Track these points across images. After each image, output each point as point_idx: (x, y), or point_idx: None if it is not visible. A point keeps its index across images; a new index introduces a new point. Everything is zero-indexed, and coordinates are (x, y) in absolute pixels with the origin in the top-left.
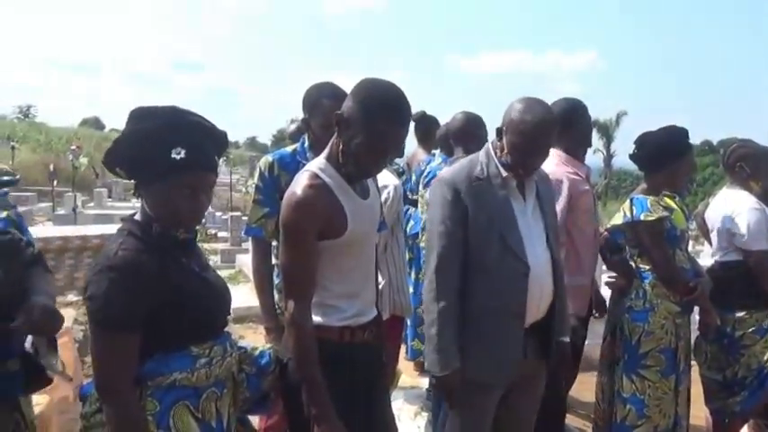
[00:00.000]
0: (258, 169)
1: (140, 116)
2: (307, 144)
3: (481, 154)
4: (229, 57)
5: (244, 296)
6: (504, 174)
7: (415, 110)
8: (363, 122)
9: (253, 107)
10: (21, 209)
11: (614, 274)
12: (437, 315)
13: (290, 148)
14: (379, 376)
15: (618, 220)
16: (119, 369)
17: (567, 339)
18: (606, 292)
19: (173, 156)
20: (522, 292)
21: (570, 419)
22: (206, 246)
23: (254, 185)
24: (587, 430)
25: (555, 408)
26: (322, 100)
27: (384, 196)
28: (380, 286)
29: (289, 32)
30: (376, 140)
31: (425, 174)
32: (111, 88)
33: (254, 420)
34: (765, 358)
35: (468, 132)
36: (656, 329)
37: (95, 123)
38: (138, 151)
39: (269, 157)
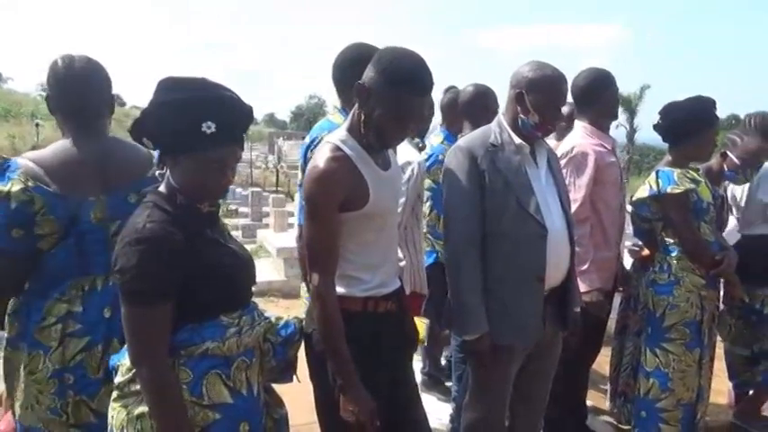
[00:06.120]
0: None
1: (170, 87)
2: None
3: (493, 124)
4: (246, 36)
5: (265, 271)
6: (518, 141)
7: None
8: (385, 92)
9: (270, 84)
10: None
11: (638, 242)
12: (463, 280)
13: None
14: (402, 346)
15: (643, 193)
16: (152, 340)
17: (578, 309)
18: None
19: (203, 129)
20: (542, 255)
21: (592, 394)
22: (227, 221)
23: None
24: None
25: (575, 380)
26: None
27: (408, 173)
28: (401, 264)
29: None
30: (398, 111)
31: (427, 155)
32: (128, 69)
33: (278, 389)
34: None
35: (479, 105)
36: (681, 303)
37: (116, 100)
38: (167, 123)
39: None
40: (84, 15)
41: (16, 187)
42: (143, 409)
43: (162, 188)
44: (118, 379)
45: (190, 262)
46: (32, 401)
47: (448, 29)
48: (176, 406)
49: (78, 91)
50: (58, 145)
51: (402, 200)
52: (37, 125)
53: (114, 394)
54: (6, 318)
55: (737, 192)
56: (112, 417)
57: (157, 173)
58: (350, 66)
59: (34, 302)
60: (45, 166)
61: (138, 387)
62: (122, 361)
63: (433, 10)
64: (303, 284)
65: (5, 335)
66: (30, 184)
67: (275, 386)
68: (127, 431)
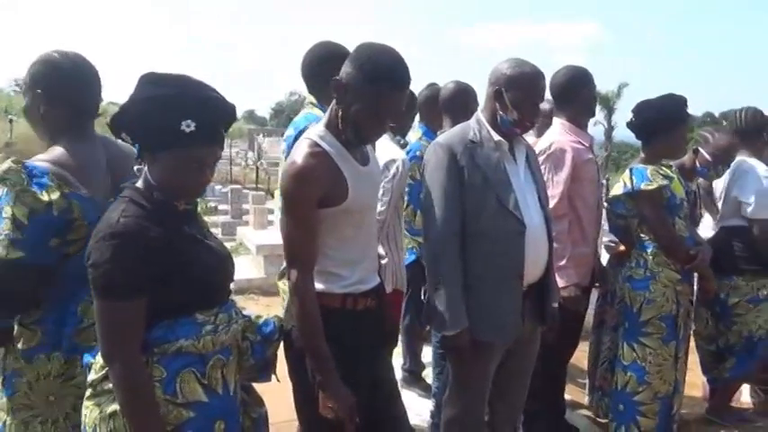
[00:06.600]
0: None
1: (151, 82)
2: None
3: (472, 120)
4: (246, 36)
5: (245, 268)
6: (497, 138)
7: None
8: (363, 88)
9: (270, 84)
10: None
11: (614, 239)
12: (443, 276)
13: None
14: (382, 343)
15: (618, 190)
16: (124, 336)
17: (557, 305)
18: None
19: (182, 128)
20: (520, 251)
21: (570, 388)
22: (206, 219)
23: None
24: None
25: (553, 375)
26: None
27: (393, 171)
28: (384, 261)
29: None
30: (376, 106)
31: (407, 150)
32: (128, 69)
33: (258, 386)
34: (756, 327)
35: (459, 102)
36: (657, 297)
37: None
38: (147, 119)
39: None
40: (78, 15)
41: (56, 194)
42: (116, 407)
43: (139, 183)
44: (91, 377)
45: (165, 258)
46: (66, 411)
47: (447, 27)
48: (149, 403)
49: (85, 88)
50: (65, 146)
51: (387, 198)
52: (11, 121)
53: (87, 392)
54: (20, 329)
55: (718, 187)
56: (85, 415)
57: (135, 168)
58: (318, 64)
59: (64, 307)
60: (68, 169)
61: (110, 385)
62: (96, 358)
63: (432, 9)
64: (280, 281)
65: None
66: (65, 189)
67: (255, 384)
68: (99, 429)
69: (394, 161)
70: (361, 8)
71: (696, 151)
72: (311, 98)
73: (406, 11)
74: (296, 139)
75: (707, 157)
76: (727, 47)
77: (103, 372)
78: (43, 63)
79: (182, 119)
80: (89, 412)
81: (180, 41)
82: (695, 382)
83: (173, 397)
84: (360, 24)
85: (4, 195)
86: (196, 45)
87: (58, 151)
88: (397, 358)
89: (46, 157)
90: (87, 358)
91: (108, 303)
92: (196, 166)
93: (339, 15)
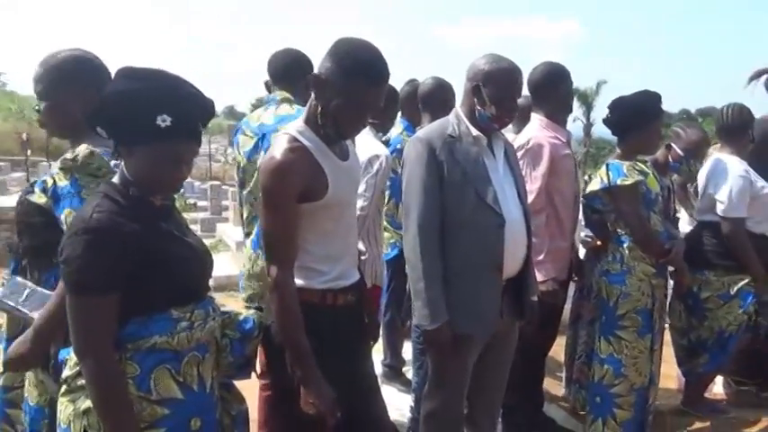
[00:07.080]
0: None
1: (127, 76)
2: None
3: (451, 116)
4: (246, 36)
5: (224, 265)
6: (475, 133)
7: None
8: (341, 83)
9: (230, 75)
10: None
11: (591, 234)
12: (423, 271)
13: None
14: (361, 338)
15: (595, 185)
16: (97, 332)
17: (536, 298)
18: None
19: (158, 122)
20: (499, 244)
21: (548, 381)
22: (186, 215)
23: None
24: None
25: (531, 368)
26: None
27: (376, 166)
28: (363, 257)
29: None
30: (354, 101)
31: (388, 144)
32: (112, 66)
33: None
34: (726, 323)
35: (438, 97)
36: (632, 291)
37: None
38: (122, 113)
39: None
40: (78, 15)
41: None
42: (90, 403)
43: (115, 179)
44: (65, 373)
45: (139, 254)
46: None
47: (446, 26)
48: (122, 400)
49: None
50: (93, 142)
51: (369, 193)
52: None
53: (62, 389)
54: None
55: (700, 183)
56: (60, 411)
57: (112, 163)
58: (284, 70)
59: None
60: None
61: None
62: (70, 354)
63: (431, 9)
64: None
65: None
66: None
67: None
68: (74, 426)
69: (377, 157)
70: (361, 8)
71: (669, 147)
72: (285, 94)
73: (405, 11)
74: None
75: (679, 152)
76: (714, 47)
77: (78, 368)
78: (86, 62)
79: (157, 113)
80: (64, 408)
81: (180, 41)
82: (670, 374)
83: (147, 394)
84: (360, 24)
85: (71, 185)
86: (196, 45)
87: (95, 144)
88: (378, 353)
89: (95, 145)
90: (63, 354)
91: (80, 299)
92: (172, 162)
93: (339, 15)
